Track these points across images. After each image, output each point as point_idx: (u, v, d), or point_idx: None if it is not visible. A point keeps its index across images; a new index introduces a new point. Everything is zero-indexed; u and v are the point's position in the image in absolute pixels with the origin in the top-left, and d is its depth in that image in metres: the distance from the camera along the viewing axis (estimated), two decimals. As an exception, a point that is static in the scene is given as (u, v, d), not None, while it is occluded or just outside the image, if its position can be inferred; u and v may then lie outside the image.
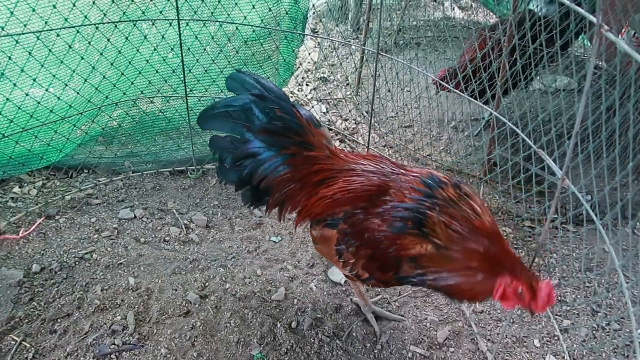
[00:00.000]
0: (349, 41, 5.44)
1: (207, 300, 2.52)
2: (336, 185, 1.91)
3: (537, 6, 3.27)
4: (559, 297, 2.75)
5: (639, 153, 1.86)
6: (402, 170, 1.89)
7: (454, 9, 6.47)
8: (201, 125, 2.03)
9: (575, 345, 2.49)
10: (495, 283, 1.61)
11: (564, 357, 2.40)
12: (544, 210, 3.27)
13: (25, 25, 2.38)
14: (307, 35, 4.25)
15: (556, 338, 2.51)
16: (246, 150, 1.94)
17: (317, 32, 5.90)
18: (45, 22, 2.43)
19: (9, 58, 2.45)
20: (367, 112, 4.33)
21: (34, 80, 2.60)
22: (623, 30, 3.87)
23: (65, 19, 2.48)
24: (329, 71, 5.10)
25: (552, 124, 1.78)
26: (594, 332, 2.57)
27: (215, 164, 2.15)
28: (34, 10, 2.38)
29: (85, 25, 2.56)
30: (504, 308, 2.47)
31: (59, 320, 2.35)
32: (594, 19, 1.43)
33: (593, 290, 2.81)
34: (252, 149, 1.93)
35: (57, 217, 2.97)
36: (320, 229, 1.99)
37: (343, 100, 4.58)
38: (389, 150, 3.95)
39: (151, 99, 3.20)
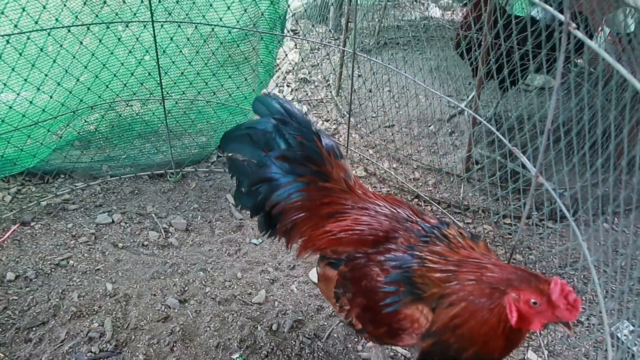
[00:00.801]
0: (328, 42, 5.44)
1: (186, 304, 2.49)
2: (344, 222, 1.81)
3: (537, 13, 3.31)
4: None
5: (610, 150, 1.88)
6: (419, 219, 1.76)
7: (433, 8, 6.50)
8: (224, 147, 1.99)
9: (554, 341, 2.51)
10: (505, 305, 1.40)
11: (545, 353, 2.42)
12: (523, 208, 3.30)
13: (-6, 29, 2.34)
14: (285, 36, 4.23)
15: (536, 334, 2.53)
16: (262, 175, 1.89)
17: (297, 33, 5.89)
18: (15, 25, 2.39)
19: (-22, 62, 2.40)
20: (348, 113, 4.33)
21: (5, 84, 2.55)
22: (600, 29, 3.92)
23: (36, 22, 2.43)
24: (309, 72, 5.10)
25: (525, 122, 1.79)
26: (574, 327, 2.59)
27: (233, 186, 2.09)
28: (2, 12, 2.34)
29: (57, 28, 2.52)
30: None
31: (34, 328, 2.31)
32: (562, 17, 1.45)
33: (572, 286, 2.83)
34: (268, 174, 1.88)
35: (32, 224, 2.91)
36: (323, 267, 1.91)
37: (324, 101, 4.57)
38: (370, 150, 3.95)
39: (128, 102, 3.16)
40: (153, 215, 3.07)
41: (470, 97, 3.99)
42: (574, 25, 1.43)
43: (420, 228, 1.70)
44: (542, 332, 2.47)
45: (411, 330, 1.56)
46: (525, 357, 2.41)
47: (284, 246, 2.16)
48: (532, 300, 1.35)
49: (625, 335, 2.36)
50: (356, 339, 2.40)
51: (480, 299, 1.43)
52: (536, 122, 1.80)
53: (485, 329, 1.43)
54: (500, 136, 1.99)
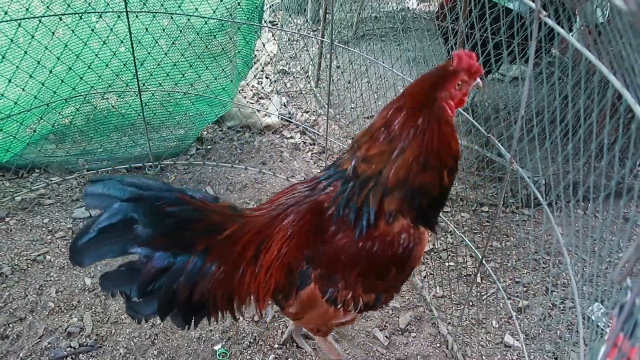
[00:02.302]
0: (308, 33, 5.43)
1: (167, 297, 2.48)
2: (275, 243, 1.61)
3: (512, 3, 3.34)
4: (516, 279, 2.84)
5: (580, 135, 1.93)
6: (316, 180, 1.68)
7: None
8: (80, 263, 1.46)
9: (531, 324, 2.57)
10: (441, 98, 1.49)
11: (521, 336, 2.48)
12: (499, 195, 3.36)
13: (-39, 19, 2.28)
14: (263, 27, 4.21)
15: (514, 318, 2.59)
16: (152, 270, 1.48)
17: (275, 24, 5.86)
18: (-16, 16, 2.33)
19: (-54, 54, 2.33)
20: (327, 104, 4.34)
21: (-25, 77, 2.49)
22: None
23: (5, 12, 2.37)
24: (288, 64, 5.08)
25: (500, 111, 1.82)
26: (549, 310, 2.66)
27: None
28: (-29, 3, 2.28)
29: (27, 19, 2.46)
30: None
31: (11, 325, 2.27)
32: (533, 5, 1.47)
33: (547, 271, 2.91)
34: (157, 264, 1.49)
35: (7, 219, 2.86)
36: (294, 298, 1.67)
37: (303, 93, 4.57)
38: (349, 141, 3.96)
39: (103, 95, 3.11)
40: (131, 208, 3.04)
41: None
42: (544, 12, 1.45)
43: (323, 178, 1.65)
44: (516, 315, 2.53)
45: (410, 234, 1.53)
46: (503, 341, 2.47)
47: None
48: (457, 84, 1.49)
49: (597, 316, 2.43)
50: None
51: (421, 122, 1.47)
52: (510, 110, 1.84)
53: (444, 136, 1.50)
54: (477, 125, 2.02)
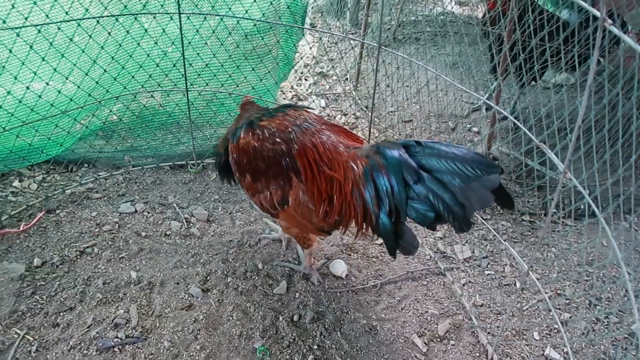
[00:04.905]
0: (350, 34, 5.44)
1: (209, 294, 2.53)
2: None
3: (560, 12, 3.29)
4: (558, 291, 2.78)
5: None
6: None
7: (451, 2, 6.46)
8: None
9: (574, 338, 2.51)
10: None
11: (564, 350, 2.43)
12: (543, 205, 3.29)
13: (26, 19, 2.37)
14: (308, 29, 4.25)
15: (555, 331, 2.54)
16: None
17: (316, 26, 5.89)
18: (47, 15, 2.42)
19: (10, 51, 2.44)
20: (366, 107, 4.34)
21: (35, 73, 2.59)
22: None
23: (67, 12, 2.47)
24: (327, 66, 5.10)
25: (554, 116, 1.79)
26: (593, 325, 2.59)
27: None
28: (35, 3, 2.37)
29: (86, 19, 2.55)
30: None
31: (61, 313, 2.36)
32: (597, 13, 1.45)
33: (591, 284, 2.83)
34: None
35: (57, 212, 2.97)
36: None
37: (342, 95, 4.58)
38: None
39: (151, 93, 3.19)
40: (175, 205, 3.11)
41: (492, 87, 3.97)
42: (609, 21, 1.43)
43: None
44: (563, 328, 2.47)
45: None
46: (544, 354, 2.42)
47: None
48: None
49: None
50: (375, 332, 2.42)
51: None
52: (554, 119, 1.80)
53: None
54: (528, 132, 1.99)
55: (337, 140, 2.09)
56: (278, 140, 2.12)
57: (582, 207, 3.19)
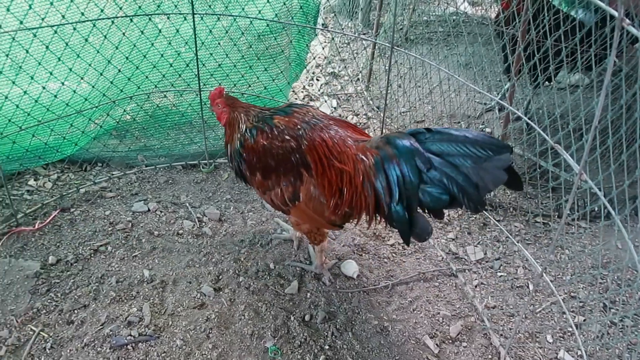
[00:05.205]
0: (362, 34, 5.44)
1: (221, 293, 2.54)
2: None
3: (576, 13, 3.26)
4: (571, 294, 2.75)
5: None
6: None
7: (463, 3, 6.43)
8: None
9: (588, 341, 2.49)
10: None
11: (577, 353, 2.40)
12: (557, 206, 3.26)
13: (43, 19, 2.40)
14: (321, 29, 4.25)
15: (569, 334, 2.51)
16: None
17: (327, 26, 5.90)
18: (63, 16, 2.45)
19: (27, 52, 2.47)
20: (378, 108, 4.33)
21: (51, 73, 2.62)
22: None
23: (82, 13, 2.50)
24: (339, 66, 5.10)
25: (570, 117, 1.78)
26: (608, 328, 2.57)
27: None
28: (52, 4, 2.40)
29: (101, 19, 2.58)
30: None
31: (75, 311, 2.38)
32: (615, 13, 1.43)
33: (606, 287, 2.80)
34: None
35: (72, 210, 3.00)
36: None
37: (354, 95, 4.58)
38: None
39: (165, 93, 3.22)
40: (187, 204, 3.13)
41: (506, 88, 3.94)
42: (627, 21, 1.41)
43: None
44: (577, 331, 2.45)
45: None
46: (558, 357, 2.40)
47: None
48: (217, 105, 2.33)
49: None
50: (387, 332, 2.42)
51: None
52: (570, 119, 1.78)
53: None
54: (542, 133, 1.98)
55: (345, 135, 2.12)
56: (287, 137, 2.16)
57: (596, 208, 3.15)
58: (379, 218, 2.05)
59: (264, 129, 2.21)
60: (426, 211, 1.92)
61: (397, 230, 1.97)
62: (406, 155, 1.81)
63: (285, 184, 2.21)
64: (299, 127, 2.17)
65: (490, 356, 2.37)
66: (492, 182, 1.67)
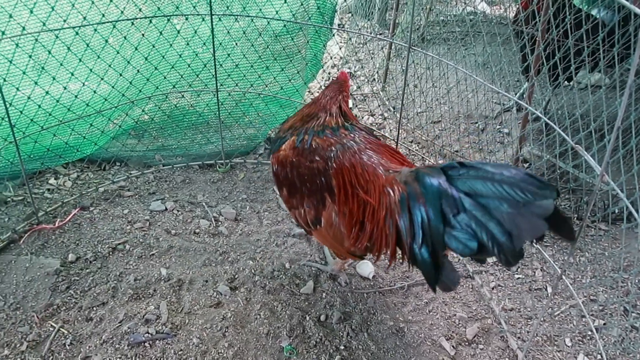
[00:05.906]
0: (379, 34, 5.42)
1: (237, 292, 2.55)
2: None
3: (598, 12, 3.22)
4: (591, 297, 2.71)
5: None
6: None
7: (481, 2, 6.38)
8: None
9: (608, 346, 2.45)
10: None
11: (597, 357, 2.37)
12: (576, 208, 3.21)
13: (65, 21, 2.44)
14: (337, 29, 4.25)
15: (588, 338, 2.47)
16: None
17: (343, 26, 5.89)
18: (84, 18, 2.49)
19: (49, 52, 2.51)
20: (394, 108, 4.32)
21: (72, 74, 2.66)
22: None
23: (103, 15, 2.53)
24: (355, 66, 5.10)
25: (591, 117, 1.75)
26: (628, 332, 2.52)
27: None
28: (73, 5, 2.44)
29: (121, 21, 2.61)
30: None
31: (94, 308, 2.42)
32: (639, 11, 1.41)
33: (627, 290, 2.75)
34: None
35: (91, 209, 3.05)
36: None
37: (370, 96, 4.57)
38: (416, 146, 3.92)
39: (182, 94, 3.25)
40: (204, 204, 3.16)
41: (524, 87, 3.90)
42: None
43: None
44: (597, 334, 2.41)
45: None
46: (577, 361, 2.36)
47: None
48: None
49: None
50: (402, 334, 2.41)
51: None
52: (591, 120, 1.76)
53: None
54: (562, 133, 1.95)
55: (378, 162, 1.99)
56: (317, 158, 2.07)
57: (616, 210, 3.10)
58: (402, 257, 1.89)
59: (297, 145, 2.12)
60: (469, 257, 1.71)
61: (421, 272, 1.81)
62: (433, 197, 1.64)
63: (308, 206, 2.12)
64: (332, 148, 2.07)
65: (507, 359, 2.34)
66: (528, 232, 1.41)
